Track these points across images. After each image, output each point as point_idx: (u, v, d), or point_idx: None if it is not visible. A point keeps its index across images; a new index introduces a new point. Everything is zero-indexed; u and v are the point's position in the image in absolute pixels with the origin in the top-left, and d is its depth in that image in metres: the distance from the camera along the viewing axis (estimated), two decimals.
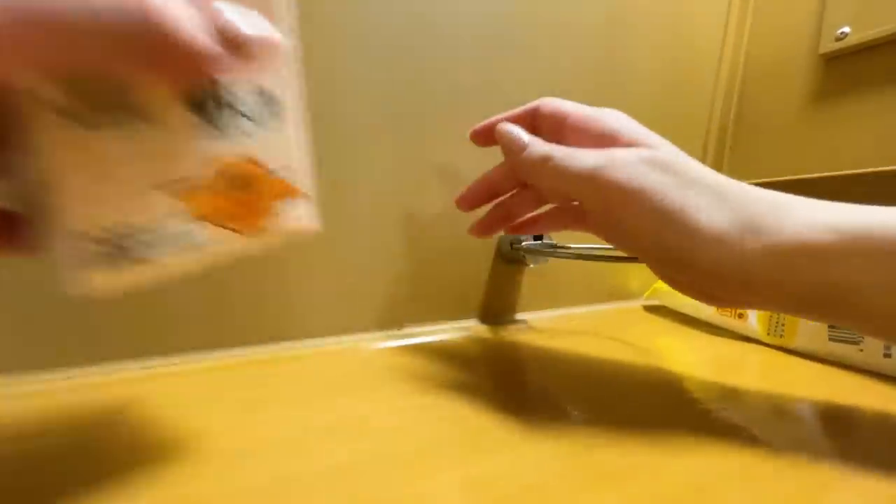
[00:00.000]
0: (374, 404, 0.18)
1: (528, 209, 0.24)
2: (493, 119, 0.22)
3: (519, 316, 0.33)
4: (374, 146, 0.26)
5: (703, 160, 0.45)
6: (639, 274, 0.41)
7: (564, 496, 0.12)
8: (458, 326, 0.30)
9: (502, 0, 0.29)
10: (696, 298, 0.17)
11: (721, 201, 0.16)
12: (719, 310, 0.32)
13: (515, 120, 0.21)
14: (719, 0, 0.43)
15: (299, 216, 0.14)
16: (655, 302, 0.39)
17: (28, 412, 0.17)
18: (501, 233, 0.27)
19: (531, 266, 0.32)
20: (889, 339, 0.21)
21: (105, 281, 0.11)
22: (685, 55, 0.41)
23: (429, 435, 0.16)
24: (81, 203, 0.10)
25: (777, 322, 0.28)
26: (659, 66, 0.40)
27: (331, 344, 0.25)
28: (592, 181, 0.17)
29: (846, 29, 0.34)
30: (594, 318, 0.35)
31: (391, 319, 0.28)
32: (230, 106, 0.12)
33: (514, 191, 0.23)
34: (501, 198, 0.24)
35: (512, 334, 0.29)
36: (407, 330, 0.28)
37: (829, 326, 0.25)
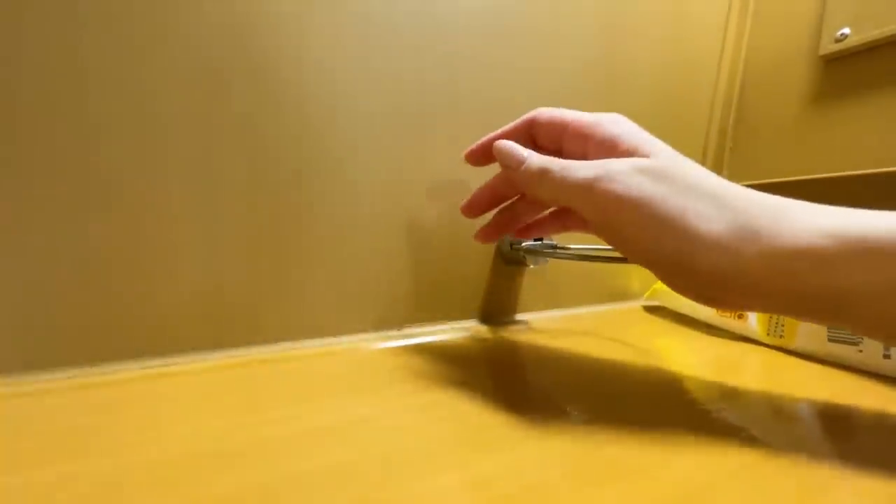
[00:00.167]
0: (374, 404, 0.18)
1: (532, 214, 0.24)
2: (487, 138, 0.22)
3: (519, 316, 0.33)
4: (374, 146, 0.26)
5: (702, 161, 0.45)
6: (639, 275, 0.41)
7: (565, 495, 0.13)
8: (459, 327, 0.30)
9: (502, 2, 0.30)
10: (696, 301, 0.17)
11: (719, 206, 0.16)
12: (719, 311, 0.32)
13: (511, 133, 0.21)
14: (719, 2, 0.43)
15: None
16: (655, 302, 0.39)
17: (28, 412, 0.17)
18: None
19: (531, 267, 0.32)
20: (889, 342, 0.22)
21: None
22: (685, 56, 0.41)
23: (429, 435, 0.16)
24: None
25: (776, 323, 0.28)
26: (659, 67, 0.40)
27: (331, 344, 0.25)
28: (589, 193, 0.17)
29: (846, 30, 0.35)
30: (594, 318, 0.35)
31: (391, 320, 0.28)
32: None
33: (517, 196, 0.24)
34: (505, 203, 0.24)
35: (512, 335, 0.29)
36: (407, 330, 0.28)
37: (829, 327, 0.25)
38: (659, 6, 0.38)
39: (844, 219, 0.15)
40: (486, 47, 0.29)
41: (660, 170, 0.16)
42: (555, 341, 0.28)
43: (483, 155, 0.23)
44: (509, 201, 0.24)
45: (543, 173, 0.18)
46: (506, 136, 0.22)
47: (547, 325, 0.32)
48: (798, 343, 0.26)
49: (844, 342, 0.24)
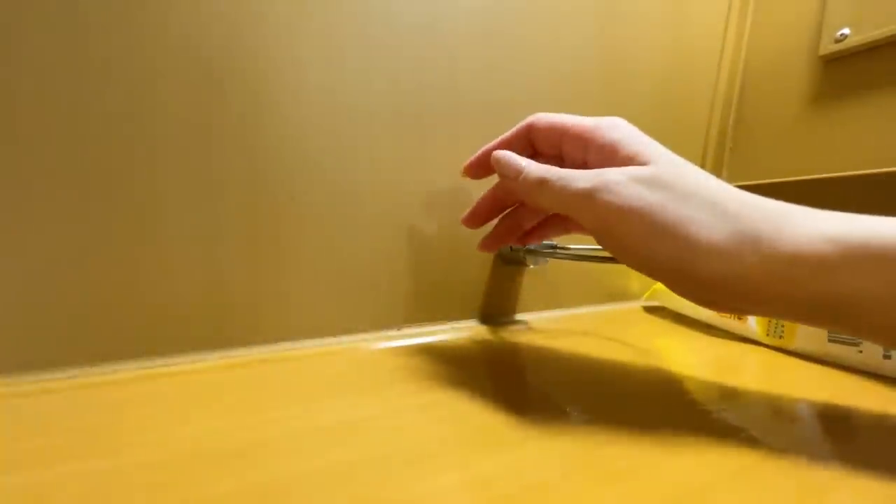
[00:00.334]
0: (374, 404, 0.18)
1: (533, 219, 0.24)
2: (484, 149, 0.22)
3: (519, 317, 0.33)
4: (374, 146, 0.26)
5: (702, 162, 0.45)
6: (638, 275, 0.41)
7: (565, 495, 0.13)
8: (458, 327, 0.30)
9: (502, 3, 0.30)
10: (697, 304, 0.17)
11: (719, 213, 0.16)
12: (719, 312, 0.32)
13: (509, 142, 0.21)
14: (719, 1, 0.43)
15: None
16: (655, 303, 0.39)
17: (28, 412, 0.17)
18: None
19: (531, 267, 0.32)
20: (891, 347, 0.22)
21: None
22: (685, 57, 0.41)
23: (429, 435, 0.16)
24: None
25: (776, 323, 0.28)
26: (659, 67, 0.40)
27: (331, 344, 0.25)
28: (588, 203, 0.17)
29: (846, 30, 0.35)
30: (594, 318, 0.35)
31: (391, 320, 0.28)
32: None
33: (518, 203, 0.24)
34: (506, 211, 0.24)
35: (512, 335, 0.29)
36: (407, 330, 0.28)
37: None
38: (658, 7, 0.38)
39: (846, 224, 0.14)
40: (486, 48, 0.29)
41: (658, 178, 0.16)
42: (555, 341, 0.28)
43: (481, 167, 0.23)
44: (510, 209, 0.24)
45: (542, 183, 0.18)
46: (504, 144, 0.22)
47: (547, 326, 0.32)
48: (798, 344, 0.26)
49: (844, 343, 0.24)
